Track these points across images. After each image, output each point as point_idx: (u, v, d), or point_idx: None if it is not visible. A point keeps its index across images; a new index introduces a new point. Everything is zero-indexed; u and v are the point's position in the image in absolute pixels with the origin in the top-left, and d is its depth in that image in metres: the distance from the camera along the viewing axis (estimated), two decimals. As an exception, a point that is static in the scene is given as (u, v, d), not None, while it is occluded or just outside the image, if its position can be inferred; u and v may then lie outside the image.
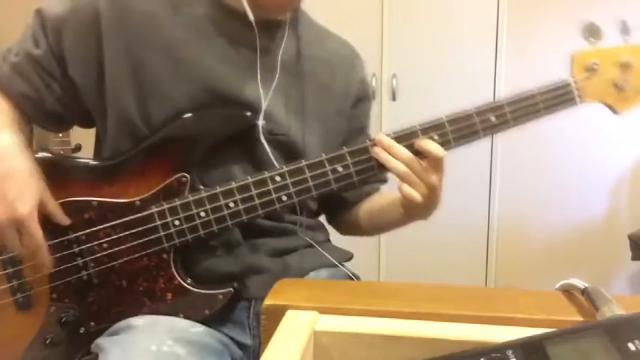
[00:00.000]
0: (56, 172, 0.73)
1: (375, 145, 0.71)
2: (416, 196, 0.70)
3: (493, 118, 0.72)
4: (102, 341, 0.70)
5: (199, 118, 0.74)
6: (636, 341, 0.37)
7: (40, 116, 0.80)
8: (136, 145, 0.74)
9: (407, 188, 0.70)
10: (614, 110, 0.72)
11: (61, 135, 1.92)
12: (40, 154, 0.74)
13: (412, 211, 0.78)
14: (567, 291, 0.54)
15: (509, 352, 0.39)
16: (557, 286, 0.55)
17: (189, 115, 0.73)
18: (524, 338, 0.40)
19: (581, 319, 0.49)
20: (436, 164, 0.70)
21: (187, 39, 0.74)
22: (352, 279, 0.86)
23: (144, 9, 0.74)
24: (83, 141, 2.00)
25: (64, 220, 0.72)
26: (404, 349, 0.47)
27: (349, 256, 0.91)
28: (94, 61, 0.74)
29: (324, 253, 0.84)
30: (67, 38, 0.74)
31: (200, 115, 0.74)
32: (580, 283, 0.52)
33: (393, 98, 2.16)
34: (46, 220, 0.70)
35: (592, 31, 0.69)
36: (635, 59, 0.69)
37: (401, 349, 0.47)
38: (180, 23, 0.74)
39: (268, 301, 0.53)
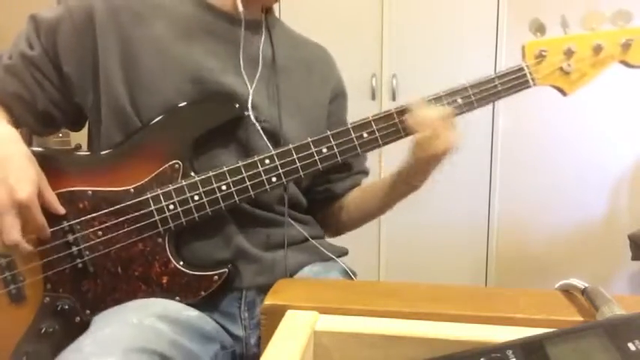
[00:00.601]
0: (50, 165, 0.74)
1: (354, 125, 0.77)
2: (436, 146, 0.76)
3: (460, 100, 0.80)
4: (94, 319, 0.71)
5: (191, 109, 0.77)
6: (636, 341, 0.37)
7: (30, 117, 0.81)
8: (128, 136, 0.77)
9: (421, 136, 0.77)
10: (563, 92, 0.81)
11: (60, 135, 1.92)
12: (34, 149, 0.74)
13: (409, 179, 0.84)
14: (567, 291, 0.54)
15: (509, 352, 0.39)
16: (557, 286, 0.55)
17: (181, 105, 0.76)
18: (524, 338, 0.40)
19: (581, 319, 0.49)
20: (451, 122, 0.78)
21: (174, 35, 0.78)
22: (348, 273, 0.87)
23: (134, 7, 0.78)
24: (83, 141, 2.01)
25: (60, 209, 0.73)
26: (404, 349, 0.47)
27: (344, 252, 0.93)
28: (88, 56, 0.77)
29: (318, 245, 0.86)
30: (62, 38, 0.77)
31: (192, 106, 0.77)
32: (580, 283, 0.52)
33: (393, 98, 2.16)
34: (42, 209, 0.70)
35: (538, 27, 0.83)
36: (577, 46, 0.80)
37: (401, 349, 0.47)
38: (167, 20, 0.79)
39: (268, 301, 0.53)
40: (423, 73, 2.15)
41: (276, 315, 0.51)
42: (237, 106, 0.78)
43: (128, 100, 0.76)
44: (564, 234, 2.23)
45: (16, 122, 0.81)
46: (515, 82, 0.81)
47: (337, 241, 0.96)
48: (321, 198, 0.95)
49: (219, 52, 0.80)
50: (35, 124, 0.83)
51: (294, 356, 0.43)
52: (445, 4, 2.12)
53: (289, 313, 0.51)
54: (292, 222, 0.85)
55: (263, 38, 0.85)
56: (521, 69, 0.81)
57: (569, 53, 0.80)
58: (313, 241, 0.86)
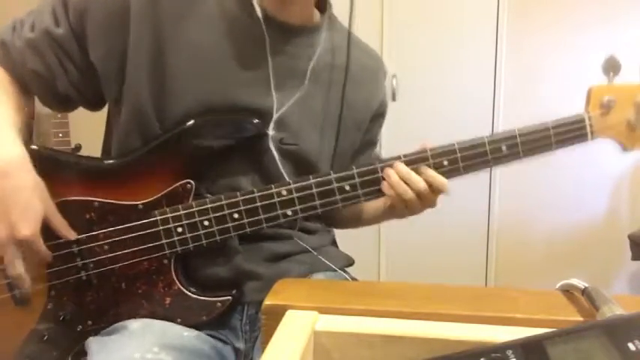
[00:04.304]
0: (58, 169, 0.72)
1: (384, 167, 0.72)
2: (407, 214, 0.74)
3: (504, 148, 0.72)
4: (91, 341, 0.70)
5: (207, 124, 0.73)
6: (636, 341, 0.37)
7: (48, 96, 0.77)
8: (144, 142, 0.73)
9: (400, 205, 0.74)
10: (623, 147, 0.72)
11: (60, 135, 1.92)
12: (43, 150, 0.72)
13: (396, 212, 0.80)
14: (567, 291, 0.54)
15: (509, 352, 0.39)
16: (557, 286, 0.55)
17: (197, 119, 0.72)
18: (524, 338, 0.40)
19: (581, 319, 0.49)
20: (439, 192, 0.73)
21: (211, 40, 0.73)
22: None
23: (172, 6, 0.72)
24: (83, 141, 2.01)
25: (70, 235, 0.70)
26: (404, 349, 0.47)
27: (350, 262, 0.90)
28: (117, 48, 0.72)
29: (321, 258, 0.83)
30: (92, 22, 0.72)
31: (208, 120, 0.73)
32: (580, 283, 0.52)
33: (393, 98, 2.16)
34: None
35: (612, 66, 0.68)
36: None
37: (401, 349, 0.47)
38: (206, 24, 0.73)
39: (268, 301, 0.53)
40: (423, 73, 2.15)
41: (276, 315, 0.51)
42: (256, 121, 0.73)
43: (151, 101, 0.72)
44: (564, 234, 2.23)
45: (31, 96, 0.78)
46: (571, 134, 0.71)
47: (339, 242, 0.96)
48: None
49: (255, 62, 0.74)
50: (52, 102, 0.79)
51: (294, 356, 0.43)
52: (445, 4, 2.12)
53: (289, 313, 0.51)
54: (299, 239, 0.82)
55: (315, 47, 0.78)
56: (582, 120, 0.71)
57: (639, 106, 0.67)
58: (316, 254, 0.83)
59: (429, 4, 2.13)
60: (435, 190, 0.72)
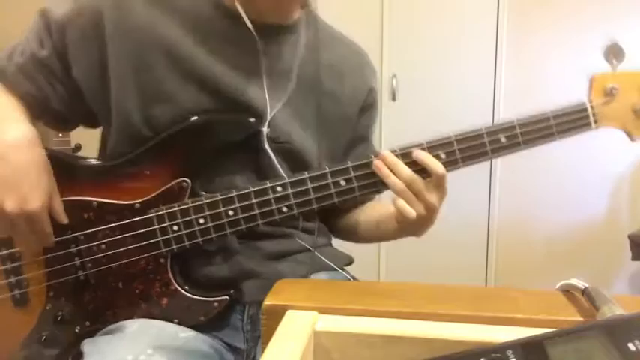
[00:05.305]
0: (59, 170, 0.73)
1: (377, 159, 0.70)
2: (410, 212, 0.69)
3: (503, 139, 0.70)
4: (87, 343, 0.70)
5: (202, 123, 0.73)
6: (636, 341, 0.37)
7: (46, 116, 0.79)
8: (136, 148, 0.74)
9: (401, 203, 0.69)
10: (630, 137, 0.71)
11: (60, 135, 1.92)
12: (47, 151, 0.73)
13: (406, 227, 0.76)
14: (567, 291, 0.54)
15: (509, 352, 0.39)
16: (557, 286, 0.55)
17: (192, 119, 0.73)
18: (524, 338, 0.40)
19: (581, 319, 0.49)
20: (437, 182, 0.69)
21: (191, 43, 0.73)
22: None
23: (146, 13, 0.73)
24: (83, 141, 2.00)
25: (64, 219, 0.72)
26: (404, 349, 0.47)
27: (349, 260, 0.90)
28: (97, 63, 0.73)
29: (321, 257, 0.83)
30: (71, 40, 0.74)
31: (203, 120, 0.73)
32: (580, 283, 0.52)
33: (393, 98, 2.16)
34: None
35: (615, 53, 0.68)
36: None
37: (401, 349, 0.47)
38: (184, 27, 0.73)
39: (268, 301, 0.53)
40: (423, 73, 2.15)
41: (276, 315, 0.51)
42: (252, 120, 0.74)
43: (140, 110, 0.73)
44: (564, 234, 2.23)
45: (32, 117, 0.78)
46: (574, 123, 0.70)
47: (339, 242, 0.96)
48: (324, 210, 0.92)
49: (239, 61, 0.75)
50: (51, 123, 0.81)
51: (294, 356, 0.43)
52: (445, 4, 2.12)
53: (289, 313, 0.51)
54: (299, 238, 0.81)
55: (297, 45, 0.78)
56: (584, 108, 0.69)
57: None
58: (317, 253, 0.83)
59: (429, 3, 2.13)
60: (433, 178, 0.69)
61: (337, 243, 0.95)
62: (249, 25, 0.73)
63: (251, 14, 0.73)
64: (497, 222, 2.24)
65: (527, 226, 2.25)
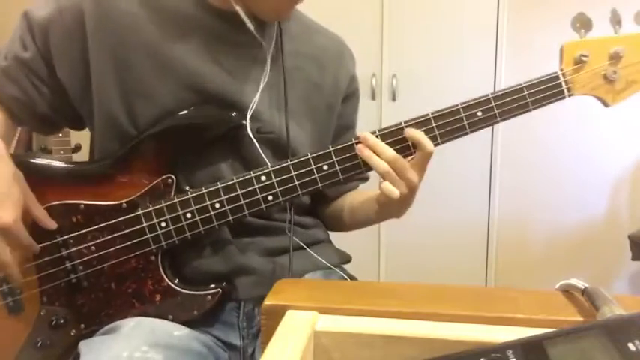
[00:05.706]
0: (43, 176, 0.73)
1: (359, 142, 0.71)
2: (393, 192, 0.70)
3: (480, 113, 0.71)
4: (83, 344, 0.70)
5: (184, 119, 0.74)
6: (636, 341, 0.37)
7: (31, 119, 0.80)
8: (123, 146, 0.74)
9: (387, 185, 0.71)
10: (604, 103, 0.71)
11: (60, 135, 1.92)
12: (25, 158, 0.74)
13: (387, 208, 0.78)
14: (567, 291, 0.54)
15: (509, 352, 0.39)
16: (557, 286, 0.55)
17: (174, 115, 0.73)
18: (524, 338, 0.40)
19: (581, 319, 0.49)
20: (422, 160, 0.71)
21: (170, 38, 0.74)
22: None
23: (126, 9, 0.74)
24: (83, 141, 2.00)
25: (51, 224, 0.72)
26: (404, 349, 0.47)
27: (347, 259, 0.90)
28: (79, 61, 0.74)
29: (315, 255, 0.82)
30: (54, 40, 0.74)
31: (185, 115, 0.74)
32: (580, 283, 0.51)
33: (393, 98, 2.16)
34: (33, 224, 0.71)
35: (582, 22, 0.69)
36: (625, 49, 0.67)
37: (401, 349, 0.47)
38: (163, 23, 0.74)
39: (268, 301, 0.53)
40: (423, 73, 2.15)
41: (276, 315, 0.51)
42: (234, 114, 0.75)
43: (123, 108, 0.74)
44: (564, 234, 2.22)
45: (17, 122, 0.80)
46: (547, 92, 0.71)
47: (339, 242, 0.96)
48: (312, 199, 0.92)
49: (220, 56, 0.76)
50: (36, 125, 0.82)
51: (294, 356, 0.43)
52: (445, 4, 2.12)
53: (289, 313, 0.51)
54: (294, 234, 0.81)
55: (273, 37, 0.79)
56: (555, 77, 0.71)
57: (615, 57, 0.67)
58: (311, 251, 0.83)
59: (429, 3, 2.13)
60: (419, 154, 0.70)
61: (337, 243, 0.95)
62: (250, 26, 0.73)
63: (229, 7, 0.74)
64: (497, 222, 2.24)
65: (527, 227, 2.25)
